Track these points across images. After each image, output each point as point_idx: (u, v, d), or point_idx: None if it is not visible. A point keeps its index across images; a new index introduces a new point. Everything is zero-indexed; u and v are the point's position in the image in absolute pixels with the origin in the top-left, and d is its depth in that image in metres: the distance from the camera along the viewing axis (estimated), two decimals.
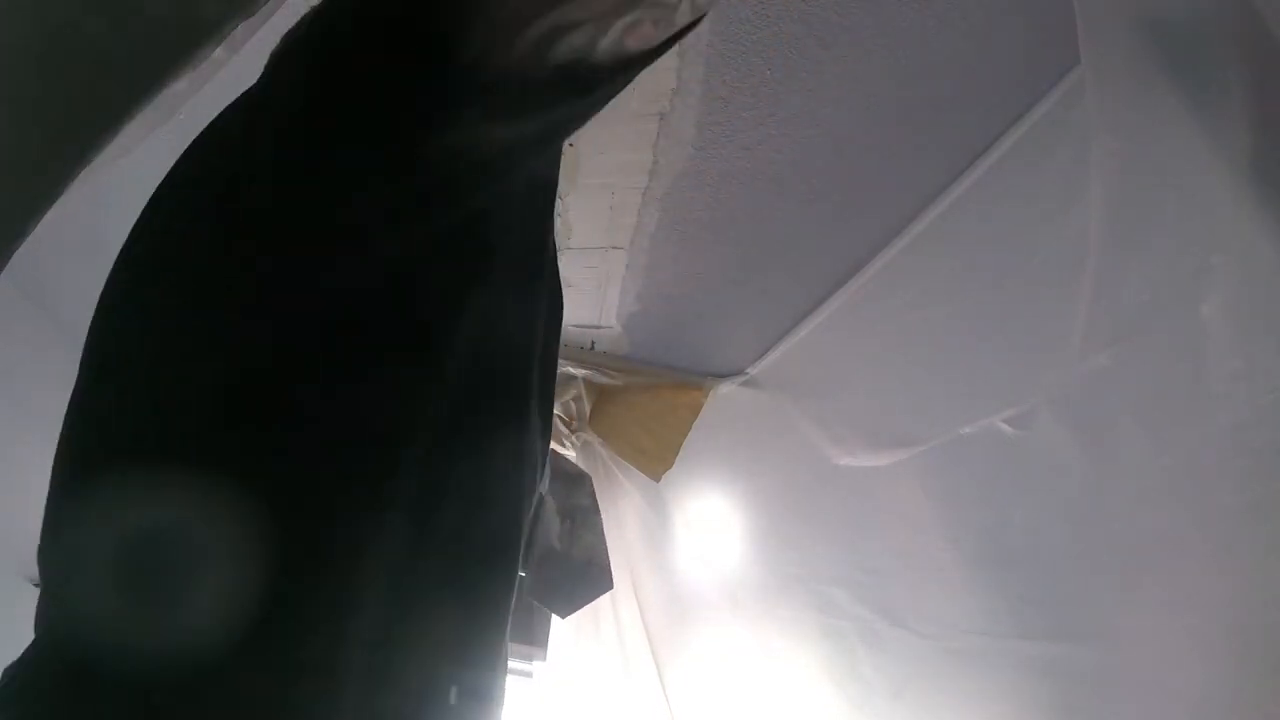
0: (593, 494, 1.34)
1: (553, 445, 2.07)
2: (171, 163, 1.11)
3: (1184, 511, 0.82)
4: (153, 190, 1.05)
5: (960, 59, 1.06)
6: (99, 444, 0.45)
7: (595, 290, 1.61)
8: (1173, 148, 0.75)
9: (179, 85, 0.60)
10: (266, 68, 0.49)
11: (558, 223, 1.43)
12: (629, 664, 1.65)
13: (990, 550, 1.10)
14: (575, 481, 1.31)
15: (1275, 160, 0.66)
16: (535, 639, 2.46)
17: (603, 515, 1.78)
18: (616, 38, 0.45)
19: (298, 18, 1.09)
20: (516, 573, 0.53)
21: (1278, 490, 0.72)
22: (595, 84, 0.47)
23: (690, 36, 1.05)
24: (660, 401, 1.74)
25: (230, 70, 1.22)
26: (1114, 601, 0.92)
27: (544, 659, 1.80)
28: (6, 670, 0.62)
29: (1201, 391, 0.76)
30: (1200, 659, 0.80)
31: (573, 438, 1.84)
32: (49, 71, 0.51)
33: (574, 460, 1.85)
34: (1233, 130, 0.68)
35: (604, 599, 1.70)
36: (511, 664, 2.93)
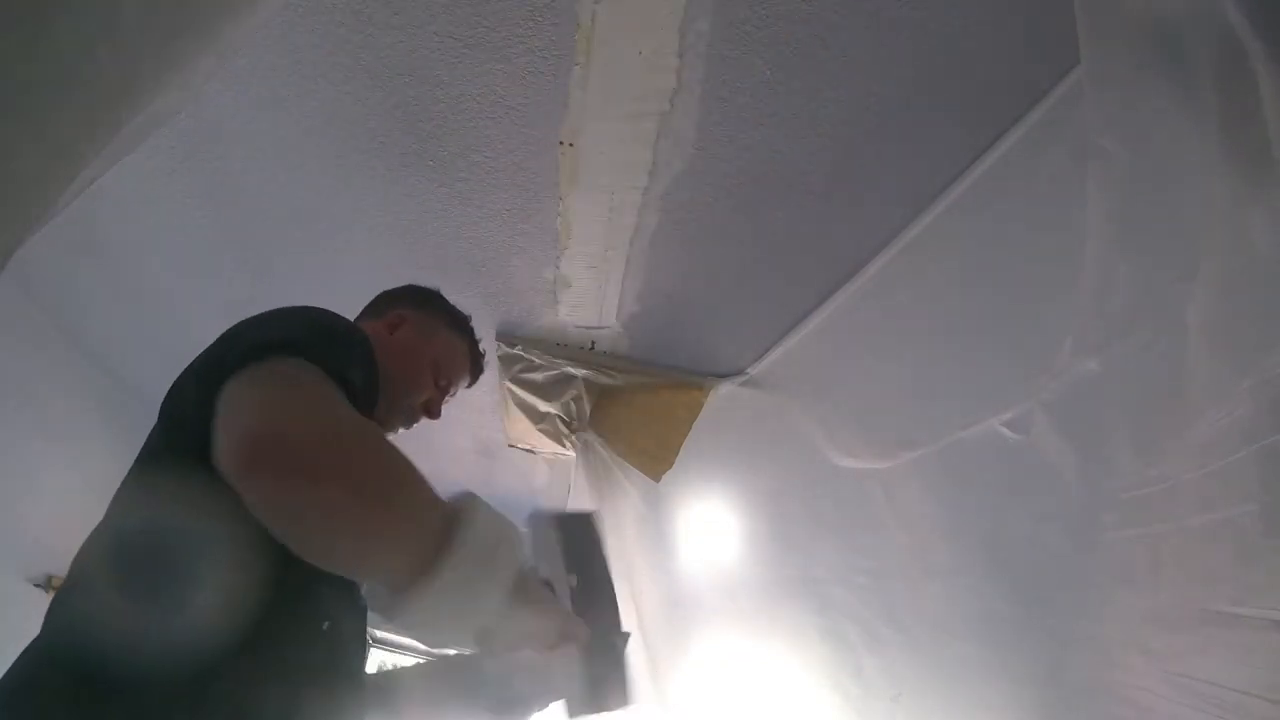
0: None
1: (548, 462, 2.07)
2: (170, 165, 1.13)
3: (1165, 524, 0.81)
4: (150, 192, 1.07)
5: (960, 60, 1.06)
6: None
7: (595, 290, 1.61)
8: (1168, 150, 0.75)
9: (175, 93, 0.60)
10: None
11: (557, 223, 1.44)
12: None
13: (990, 553, 1.10)
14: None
15: (1261, 166, 0.66)
16: None
17: (603, 515, 1.78)
18: None
19: (286, 25, 1.09)
20: None
21: (1242, 514, 0.72)
22: None
23: (690, 35, 1.06)
24: (660, 401, 1.74)
25: (232, 74, 1.21)
26: (1106, 608, 0.92)
27: None
28: (9, 671, 0.64)
29: (1188, 398, 0.75)
30: (1184, 672, 0.80)
31: (573, 438, 1.84)
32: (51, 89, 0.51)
33: (574, 458, 1.86)
34: (1224, 134, 0.68)
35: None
36: None
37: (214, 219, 1.53)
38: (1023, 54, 1.04)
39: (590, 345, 1.79)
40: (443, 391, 1.11)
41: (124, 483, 0.76)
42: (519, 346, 1.76)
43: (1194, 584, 0.77)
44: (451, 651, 0.86)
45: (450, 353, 1.12)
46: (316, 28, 1.11)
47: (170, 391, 0.76)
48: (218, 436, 0.57)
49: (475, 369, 1.18)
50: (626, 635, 0.75)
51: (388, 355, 0.98)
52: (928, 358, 1.30)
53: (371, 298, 1.17)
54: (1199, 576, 0.76)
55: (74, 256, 1.66)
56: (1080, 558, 0.94)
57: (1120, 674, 0.89)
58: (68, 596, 0.70)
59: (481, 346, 1.19)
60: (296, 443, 0.56)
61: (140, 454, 0.77)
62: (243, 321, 0.76)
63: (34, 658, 0.66)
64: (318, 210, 1.49)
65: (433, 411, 1.10)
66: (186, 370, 0.76)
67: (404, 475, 0.62)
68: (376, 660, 3.16)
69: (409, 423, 1.08)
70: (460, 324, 1.16)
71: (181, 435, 0.69)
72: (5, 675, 0.65)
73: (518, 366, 1.77)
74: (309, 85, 1.21)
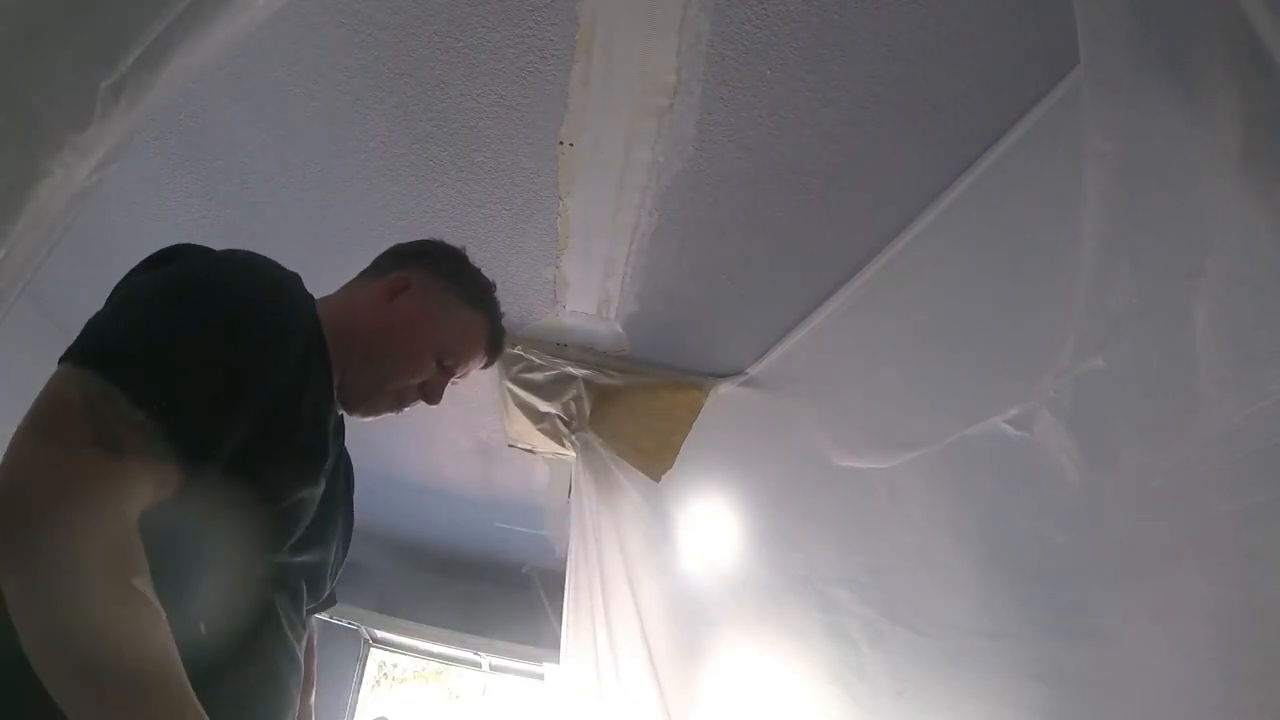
0: None
1: (549, 462, 2.06)
2: (170, 165, 1.12)
3: (1178, 517, 0.81)
4: (150, 192, 1.05)
5: (960, 60, 1.06)
6: None
7: (595, 290, 1.61)
8: (1167, 150, 0.75)
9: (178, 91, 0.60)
10: None
11: (557, 223, 1.44)
12: (626, 667, 1.64)
13: (993, 550, 1.10)
14: None
15: (1268, 163, 0.66)
16: (544, 642, 2.46)
17: (603, 515, 1.78)
18: None
19: (285, 25, 1.08)
20: None
21: (1267, 501, 0.72)
22: None
23: (690, 36, 1.06)
24: (660, 401, 1.74)
25: (231, 74, 1.21)
26: (1113, 604, 0.92)
27: (556, 661, 1.79)
28: None
29: (1192, 397, 0.75)
30: (1193, 666, 0.80)
31: (572, 438, 1.84)
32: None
33: (574, 460, 1.86)
34: (1226, 133, 0.68)
35: (598, 602, 1.69)
36: (523, 665, 2.95)
37: (214, 219, 1.53)
38: (1022, 55, 1.04)
39: (590, 345, 1.79)
40: (447, 374, 0.93)
41: None
42: (519, 346, 1.76)
43: (1231, 570, 0.77)
44: None
45: (462, 331, 0.94)
46: (316, 27, 1.11)
47: None
48: None
49: (493, 349, 0.99)
50: None
51: (380, 326, 0.87)
52: (928, 357, 1.30)
53: None
54: (1242, 561, 0.76)
55: (73, 256, 1.66)
56: (1083, 551, 0.94)
57: (1125, 666, 0.89)
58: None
59: (504, 321, 1.02)
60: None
61: None
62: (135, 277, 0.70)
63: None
64: (317, 210, 1.49)
65: (431, 396, 0.92)
66: None
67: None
68: (376, 659, 3.18)
69: (399, 406, 0.92)
70: (480, 296, 0.97)
71: None
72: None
73: (518, 366, 1.77)
74: (309, 85, 1.21)
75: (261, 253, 0.75)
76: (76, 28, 0.55)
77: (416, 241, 1.00)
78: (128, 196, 1.47)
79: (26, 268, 0.56)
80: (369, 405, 0.90)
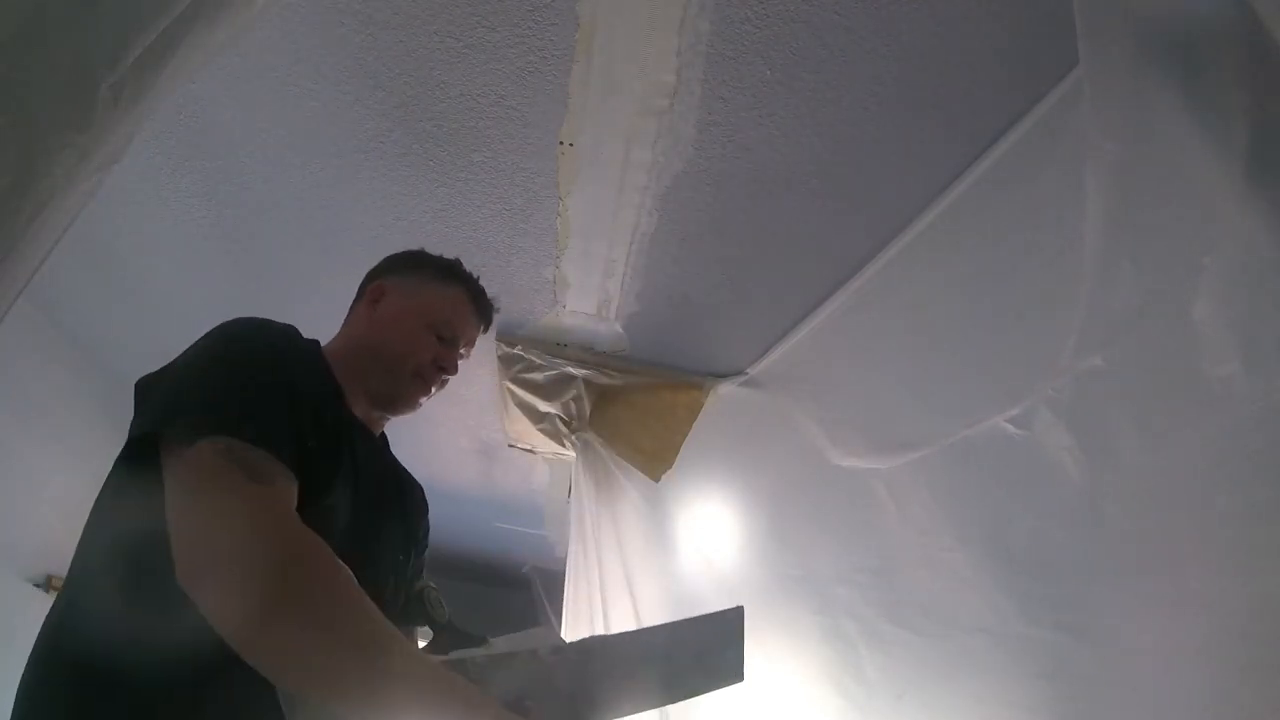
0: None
1: (549, 462, 2.05)
2: (170, 165, 1.13)
3: (1182, 513, 0.81)
4: (150, 192, 1.06)
5: (960, 60, 1.06)
6: None
7: (595, 290, 1.61)
8: (1168, 150, 0.75)
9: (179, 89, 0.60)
10: None
11: (557, 223, 1.44)
12: None
13: (993, 549, 1.10)
14: None
15: (1271, 161, 0.66)
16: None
17: (602, 515, 1.78)
18: None
19: (285, 25, 1.08)
20: None
21: (1266, 499, 0.72)
22: None
23: (690, 36, 1.06)
24: (660, 401, 1.74)
25: (231, 74, 1.21)
26: (1116, 601, 0.92)
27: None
28: (25, 669, 0.65)
29: (1196, 394, 0.76)
30: (1200, 661, 0.80)
31: (572, 438, 1.84)
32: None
33: (574, 460, 1.86)
34: (1228, 131, 0.68)
35: (597, 602, 1.69)
36: None
37: (214, 219, 1.53)
38: (1022, 55, 1.04)
39: (590, 345, 1.79)
40: (450, 345, 1.03)
41: (110, 480, 0.75)
42: (519, 346, 1.76)
43: (1238, 564, 0.77)
44: None
45: (444, 302, 1.04)
46: (316, 27, 1.11)
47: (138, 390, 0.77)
48: (185, 567, 0.59)
49: (481, 310, 1.08)
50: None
51: (374, 332, 1.00)
52: (928, 357, 1.30)
53: None
54: (1250, 555, 0.76)
55: (73, 256, 1.66)
56: (1084, 549, 0.94)
57: (1127, 662, 0.89)
58: (73, 594, 0.70)
59: (481, 283, 1.09)
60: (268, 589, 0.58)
61: (123, 451, 0.74)
62: (178, 363, 0.78)
63: (42, 656, 0.66)
64: (318, 210, 1.49)
65: (447, 367, 1.02)
66: (149, 383, 0.77)
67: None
68: None
69: (426, 386, 1.01)
70: (448, 271, 1.07)
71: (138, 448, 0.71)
72: (23, 674, 0.67)
73: (518, 366, 1.77)
74: (309, 85, 1.21)
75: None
76: (76, 28, 0.55)
77: (381, 260, 1.11)
78: (128, 196, 1.47)
79: (27, 268, 0.56)
80: (401, 397, 1.00)
